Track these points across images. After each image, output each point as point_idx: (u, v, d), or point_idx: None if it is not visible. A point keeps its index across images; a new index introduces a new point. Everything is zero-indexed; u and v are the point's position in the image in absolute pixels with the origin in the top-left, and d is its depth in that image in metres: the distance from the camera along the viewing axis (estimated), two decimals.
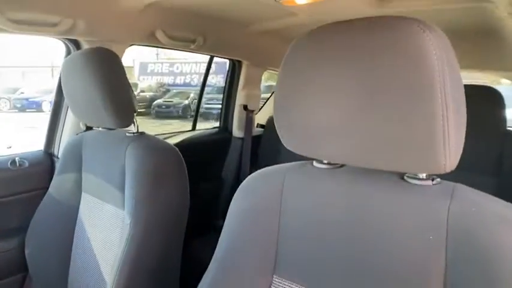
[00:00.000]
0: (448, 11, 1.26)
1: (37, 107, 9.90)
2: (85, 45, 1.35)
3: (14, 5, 1.06)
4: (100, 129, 1.21)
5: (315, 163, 0.68)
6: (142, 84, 12.15)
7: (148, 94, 11.51)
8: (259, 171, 0.74)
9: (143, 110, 11.05)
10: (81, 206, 1.23)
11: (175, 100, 10.82)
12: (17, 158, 1.37)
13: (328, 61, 0.56)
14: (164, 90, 12.16)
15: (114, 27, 1.33)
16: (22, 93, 10.78)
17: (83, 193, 1.23)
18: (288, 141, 0.64)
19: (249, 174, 2.21)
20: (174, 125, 9.10)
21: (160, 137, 1.86)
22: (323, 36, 0.58)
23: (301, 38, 0.60)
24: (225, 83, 2.14)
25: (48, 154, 1.48)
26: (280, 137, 0.65)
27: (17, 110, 10.31)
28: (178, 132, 2.03)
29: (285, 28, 1.63)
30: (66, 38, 1.33)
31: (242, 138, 2.11)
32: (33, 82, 11.53)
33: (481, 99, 1.27)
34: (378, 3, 1.24)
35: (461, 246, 0.50)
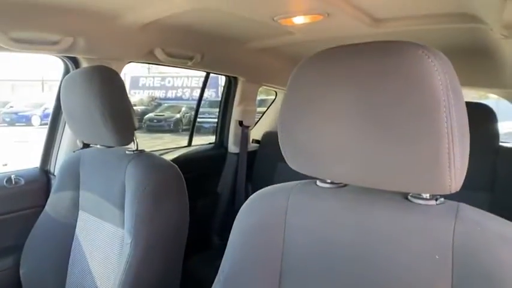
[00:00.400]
0: (441, 31, 1.31)
1: (26, 121, 9.78)
2: (84, 63, 1.36)
3: (17, 24, 1.07)
4: (98, 146, 1.21)
5: (318, 182, 0.69)
6: (134, 98, 12.12)
7: (139, 108, 11.47)
8: (263, 189, 0.75)
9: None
10: (78, 225, 1.21)
11: (167, 114, 10.81)
12: (12, 176, 1.35)
13: (333, 83, 0.57)
14: (156, 104, 12.16)
15: (113, 45, 1.35)
16: (11, 107, 10.65)
17: (80, 211, 1.21)
18: (292, 160, 0.65)
19: (245, 189, 2.21)
20: (165, 139, 9.07)
21: (157, 153, 1.86)
22: (329, 59, 0.60)
23: (308, 60, 0.62)
24: (221, 98, 2.15)
25: (44, 171, 1.47)
26: (284, 156, 0.66)
27: (6, 124, 10.16)
28: (175, 148, 2.03)
29: (282, 46, 1.66)
30: (66, 56, 1.33)
31: (238, 154, 2.12)
32: (23, 96, 11.42)
33: (475, 116, 1.30)
34: (374, 23, 1.28)
35: (467, 266, 0.50)
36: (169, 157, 1.87)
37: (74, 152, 1.34)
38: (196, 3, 1.09)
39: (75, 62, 1.36)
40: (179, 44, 1.51)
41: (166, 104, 11.79)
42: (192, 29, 1.45)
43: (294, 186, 0.71)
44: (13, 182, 1.34)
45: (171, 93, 12.92)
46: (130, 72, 13.12)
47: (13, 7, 1.03)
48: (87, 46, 1.25)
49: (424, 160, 0.50)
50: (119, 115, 1.04)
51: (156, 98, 12.70)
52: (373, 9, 1.21)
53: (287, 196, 0.69)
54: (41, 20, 1.11)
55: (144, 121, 10.79)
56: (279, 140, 0.66)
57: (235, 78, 2.06)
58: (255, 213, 0.72)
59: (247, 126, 2.12)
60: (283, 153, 0.66)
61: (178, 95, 12.61)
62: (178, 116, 10.51)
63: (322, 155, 0.60)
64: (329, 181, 0.67)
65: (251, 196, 0.75)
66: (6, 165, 1.42)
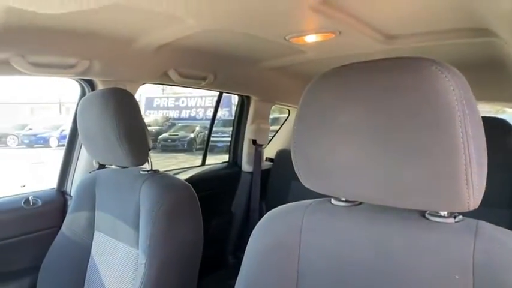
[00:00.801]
0: (455, 46, 1.29)
1: (44, 142, 10.04)
2: (99, 85, 1.39)
3: (35, 49, 1.11)
4: (113, 167, 1.22)
5: (333, 201, 0.68)
6: (149, 118, 12.35)
7: (154, 128, 11.66)
8: (277, 208, 0.74)
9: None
10: (93, 245, 1.21)
11: (181, 134, 10.94)
12: (30, 197, 1.37)
13: (346, 101, 0.57)
14: (170, 124, 12.34)
15: (128, 68, 1.38)
16: (30, 129, 10.98)
17: (95, 232, 1.22)
18: (306, 179, 0.65)
19: (259, 208, 2.19)
20: (179, 158, 9.15)
21: (171, 173, 1.87)
22: (341, 77, 0.60)
23: (320, 78, 0.62)
24: (234, 117, 2.17)
25: (61, 192, 1.48)
26: (297, 174, 0.66)
27: (25, 146, 10.45)
28: (189, 167, 2.03)
29: (294, 64, 1.67)
30: (82, 79, 1.37)
31: (251, 173, 2.11)
32: (41, 118, 11.77)
33: (492, 131, 1.27)
34: (386, 40, 1.28)
35: (488, 286, 0.49)
36: (183, 177, 1.87)
37: (89, 172, 1.36)
38: (207, 25, 1.11)
39: (91, 85, 1.40)
40: (192, 65, 1.54)
41: (180, 124, 11.94)
42: (205, 50, 1.47)
43: (308, 204, 0.70)
44: (31, 203, 1.36)
45: (185, 113, 13.11)
46: (145, 93, 13.44)
47: (31, 32, 1.07)
48: (102, 69, 1.28)
49: (441, 177, 0.49)
50: (134, 136, 1.05)
51: (170, 118, 12.90)
52: (385, 26, 1.21)
53: (302, 215, 0.68)
54: (58, 44, 1.15)
55: (158, 141, 10.93)
56: (292, 159, 0.66)
57: (248, 97, 2.07)
58: (269, 232, 0.71)
59: (261, 145, 2.12)
60: (296, 171, 0.65)
61: (192, 114, 12.78)
62: (192, 135, 10.62)
63: (336, 173, 0.59)
64: (344, 199, 0.66)
65: (265, 215, 0.74)
66: (24, 186, 1.45)
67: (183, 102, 13.16)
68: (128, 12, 1.02)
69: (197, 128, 10.82)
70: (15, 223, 1.31)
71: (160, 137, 11.02)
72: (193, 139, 10.40)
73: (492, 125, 1.35)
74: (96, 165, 1.43)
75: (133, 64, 1.38)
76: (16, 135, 10.88)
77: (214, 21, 1.10)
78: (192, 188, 1.10)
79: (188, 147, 10.25)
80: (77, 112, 1.18)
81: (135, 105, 1.10)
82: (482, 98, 1.81)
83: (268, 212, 0.74)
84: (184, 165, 2.18)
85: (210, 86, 1.68)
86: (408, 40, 1.28)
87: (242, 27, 1.17)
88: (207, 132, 9.63)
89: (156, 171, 1.14)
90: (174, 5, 0.95)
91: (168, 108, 13.49)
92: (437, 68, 0.49)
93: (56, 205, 1.43)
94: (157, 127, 11.84)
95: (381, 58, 0.56)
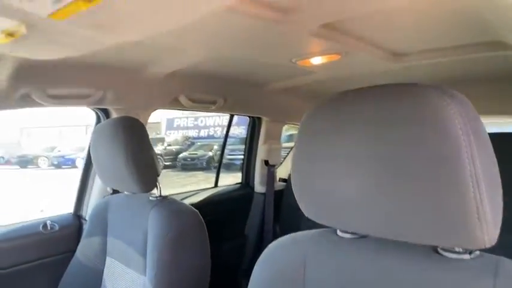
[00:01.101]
0: (466, 60, 1.26)
1: (72, 163, 10.41)
2: (113, 113, 1.44)
3: (53, 82, 1.17)
4: (125, 192, 1.25)
5: (339, 232, 0.65)
6: (169, 138, 12.61)
7: (174, 148, 11.89)
8: (280, 239, 0.72)
9: (170, 163, 11.38)
10: (105, 271, 1.23)
11: (200, 152, 11.09)
12: (48, 222, 1.42)
13: (347, 129, 0.55)
14: (189, 143, 12.55)
15: (139, 96, 1.43)
16: (59, 151, 11.45)
17: (107, 257, 1.24)
18: (307, 209, 0.62)
19: (273, 230, 2.15)
20: (198, 176, 9.24)
21: (184, 195, 1.89)
22: (341, 103, 0.58)
23: (317, 106, 0.60)
24: (246, 138, 2.18)
25: (77, 216, 1.53)
26: (298, 204, 0.64)
27: (53, 167, 10.87)
28: (201, 189, 2.05)
29: (303, 85, 1.68)
30: (97, 107, 1.43)
31: (264, 194, 2.10)
32: (69, 140, 12.24)
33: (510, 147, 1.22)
34: (395, 58, 1.27)
35: None
36: (196, 199, 1.89)
37: (103, 197, 1.40)
38: (211, 54, 1.14)
39: (106, 112, 1.46)
40: (202, 90, 1.58)
41: (199, 143, 12.13)
42: (214, 75, 1.51)
43: (312, 235, 0.68)
44: (48, 228, 1.41)
45: (203, 132, 13.33)
46: (166, 114, 13.77)
47: (50, 67, 1.13)
48: (115, 98, 1.34)
49: (450, 213, 0.45)
50: (142, 163, 1.08)
51: (189, 138, 13.13)
52: (393, 44, 1.20)
53: (306, 246, 0.66)
54: (74, 77, 1.21)
55: (178, 160, 11.13)
56: (293, 188, 0.64)
57: (259, 118, 2.09)
58: (273, 265, 0.69)
59: (273, 165, 2.12)
60: (298, 202, 0.63)
61: (211, 133, 12.97)
62: (210, 154, 10.74)
63: (339, 205, 0.57)
64: (350, 231, 0.64)
65: (270, 245, 0.72)
66: (42, 211, 1.50)
67: (201, 121, 13.40)
68: (135, 46, 1.07)
69: (215, 147, 10.95)
70: (33, 248, 1.35)
71: (180, 156, 11.21)
72: (212, 157, 10.52)
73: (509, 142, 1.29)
74: (110, 190, 1.47)
75: (144, 92, 1.43)
76: (46, 157, 11.38)
77: (217, 50, 1.14)
78: (199, 214, 1.11)
79: (207, 165, 10.37)
80: (91, 140, 1.23)
81: (143, 133, 1.14)
82: (501, 112, 1.75)
83: (273, 242, 0.73)
84: (204, 183, 2.19)
85: (220, 110, 1.71)
86: (417, 57, 1.26)
87: (246, 53, 1.20)
88: (225, 150, 9.58)
89: (165, 197, 1.16)
90: (177, 37, 0.99)
91: (187, 128, 13.76)
92: (439, 96, 0.47)
93: (72, 229, 1.47)
94: (177, 146, 12.06)
95: (380, 84, 0.55)
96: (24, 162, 11.38)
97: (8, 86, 1.07)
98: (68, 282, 1.26)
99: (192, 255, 1.06)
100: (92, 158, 1.25)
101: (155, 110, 1.56)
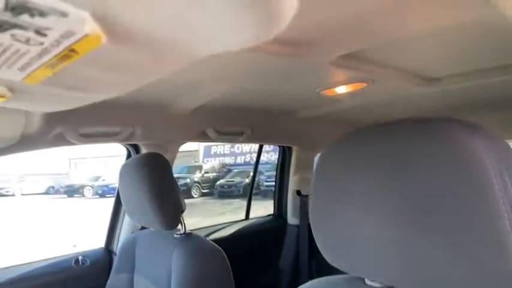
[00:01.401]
0: (502, 82, 1.17)
1: (115, 192, 10.84)
2: (143, 148, 1.47)
3: (84, 122, 1.22)
4: (152, 228, 1.24)
5: (367, 281, 0.59)
6: (206, 166, 12.83)
7: (211, 175, 12.06)
8: (311, 284, 0.67)
9: (207, 190, 11.53)
10: None
11: (236, 179, 11.14)
12: (80, 257, 1.44)
13: (366, 168, 0.51)
14: (226, 170, 12.67)
15: (167, 131, 1.45)
16: (103, 180, 12.02)
17: None
18: (328, 254, 0.58)
19: (308, 265, 2.04)
20: (234, 204, 9.23)
21: (214, 228, 1.86)
22: (360, 140, 0.54)
23: (334, 144, 0.57)
24: (276, 168, 2.14)
25: (108, 251, 1.54)
26: (319, 248, 0.59)
27: (98, 196, 11.39)
28: (232, 222, 2.01)
29: (332, 113, 1.63)
30: (127, 143, 1.46)
31: (298, 226, 2.02)
32: (113, 170, 12.87)
33: None
34: (425, 83, 1.20)
35: None
36: (226, 232, 1.85)
37: (132, 233, 1.40)
38: (234, 87, 1.14)
39: (136, 147, 1.49)
40: (229, 122, 1.58)
41: (236, 170, 12.21)
42: (240, 107, 1.50)
43: (339, 282, 0.62)
44: (80, 263, 1.43)
45: (240, 159, 13.44)
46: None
47: (82, 108, 1.18)
48: (144, 134, 1.36)
49: (485, 268, 0.39)
50: (165, 200, 1.07)
51: (226, 165, 13.28)
52: (424, 70, 1.14)
53: None
54: (104, 116, 1.25)
55: (216, 187, 11.24)
56: (314, 234, 0.59)
57: (290, 147, 2.05)
58: None
59: (306, 196, 2.04)
60: (318, 246, 0.59)
61: (247, 160, 13.04)
62: (247, 180, 10.75)
63: (360, 251, 0.52)
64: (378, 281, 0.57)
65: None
66: (75, 246, 1.53)
67: (238, 148, 13.55)
68: (160, 83, 1.09)
69: (251, 174, 10.94)
70: (65, 283, 1.37)
71: (217, 183, 11.33)
72: (248, 184, 10.49)
73: None
74: (139, 226, 1.47)
75: (172, 127, 1.45)
76: (91, 186, 12.00)
77: (240, 84, 1.13)
78: (222, 252, 1.07)
79: (243, 192, 10.35)
80: (119, 176, 1.25)
81: (167, 170, 1.13)
82: None
83: (306, 285, 0.68)
84: (240, 211, 2.14)
85: (248, 141, 1.69)
86: (450, 80, 1.19)
87: (269, 86, 1.19)
88: (261, 177, 9.52)
89: (190, 234, 1.14)
90: (200, 73, 0.99)
91: (224, 155, 13.96)
92: (466, 131, 0.42)
93: (103, 264, 1.48)
94: (214, 174, 12.22)
95: (400, 119, 0.50)
96: (71, 191, 12.10)
97: (42, 127, 1.12)
98: None
99: None
100: (120, 193, 1.26)
101: (183, 143, 1.57)
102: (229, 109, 1.50)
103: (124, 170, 1.21)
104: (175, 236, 1.13)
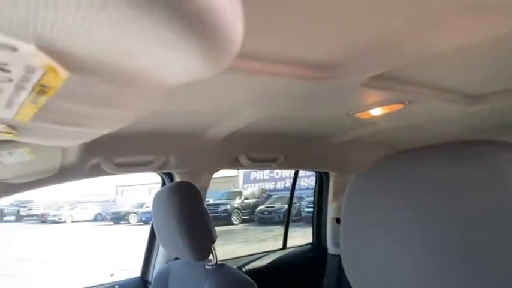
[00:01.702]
0: None
1: None
2: (176, 176, 1.48)
3: (119, 152, 1.26)
4: (183, 258, 1.22)
5: None
6: (246, 192, 12.83)
7: (251, 201, 12.00)
8: None
9: (247, 216, 11.44)
10: None
11: (276, 205, 10.97)
12: (116, 287, 1.45)
13: (403, 196, 0.46)
14: (266, 196, 12.56)
15: (199, 159, 1.46)
16: (147, 207, 12.39)
17: None
18: None
19: None
20: (275, 231, 9.05)
21: (249, 258, 1.80)
22: (395, 166, 0.49)
23: (363, 172, 0.52)
24: (314, 195, 2.06)
25: (144, 281, 1.54)
26: (350, 281, 0.54)
27: (142, 223, 11.72)
28: (268, 251, 1.94)
29: (368, 136, 1.56)
30: (161, 172, 1.49)
31: (339, 256, 1.90)
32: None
33: None
34: (467, 101, 1.11)
35: None
36: (262, 262, 1.79)
37: (166, 263, 1.39)
38: (264, 114, 1.12)
39: (170, 176, 1.50)
40: (261, 148, 1.55)
41: (275, 196, 12.06)
42: (272, 133, 1.48)
43: None
44: None
45: (279, 185, 13.30)
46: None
47: (117, 139, 1.22)
48: (177, 162, 1.38)
49: None
50: (195, 229, 1.05)
51: (266, 190, 13.18)
52: (466, 88, 1.06)
53: None
54: (138, 146, 1.28)
55: (256, 213, 11.15)
56: (344, 268, 0.54)
57: (326, 173, 1.97)
58: None
59: None
60: (349, 279, 0.53)
61: (287, 185, 12.87)
62: (287, 206, 10.56)
63: None
64: None
65: None
66: (113, 275, 1.54)
67: (277, 173, 13.45)
68: (191, 112, 1.11)
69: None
70: None
71: (257, 209, 11.22)
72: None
73: None
74: (173, 256, 1.46)
75: (204, 155, 1.45)
76: (136, 213, 12.39)
77: (271, 110, 1.11)
78: (255, 286, 1.01)
79: (284, 218, 10.13)
80: (152, 205, 1.25)
81: (198, 199, 1.12)
82: None
83: None
84: (281, 238, 2.07)
85: (281, 167, 1.65)
86: (494, 98, 1.09)
87: (300, 111, 1.16)
88: (302, 202, 9.29)
89: (222, 265, 1.10)
90: (231, 101, 0.99)
91: (263, 181, 13.89)
92: (508, 154, 0.37)
93: None
94: (254, 200, 12.15)
95: (440, 143, 0.45)
96: (117, 218, 12.56)
97: (79, 157, 1.16)
98: None
99: None
100: (153, 222, 1.27)
101: (216, 171, 1.57)
102: (261, 135, 1.49)
103: (156, 199, 1.21)
104: (206, 267, 1.10)
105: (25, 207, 14.09)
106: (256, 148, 1.55)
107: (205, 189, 1.53)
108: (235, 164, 1.54)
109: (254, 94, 0.93)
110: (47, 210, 13.57)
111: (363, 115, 1.18)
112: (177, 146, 1.37)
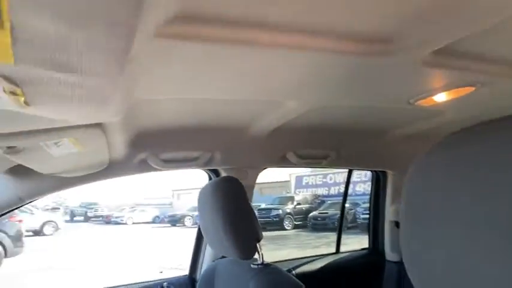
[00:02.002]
0: None
1: None
2: (223, 173, 1.45)
3: (166, 147, 1.26)
4: (228, 257, 1.18)
5: None
6: (298, 197, 12.62)
7: (304, 206, 11.78)
8: None
9: (300, 222, 11.24)
10: None
11: (330, 211, 10.63)
12: (164, 284, 1.45)
13: (472, 180, 0.36)
14: (319, 201, 12.24)
15: (245, 155, 1.41)
16: None
17: None
18: None
19: None
20: (330, 237, 8.75)
21: (299, 262, 1.71)
22: (459, 145, 0.39)
23: (427, 153, 0.42)
24: (370, 197, 1.91)
25: (191, 279, 1.52)
26: (412, 282, 0.45)
27: (196, 225, 12.08)
28: (319, 255, 1.82)
29: (431, 130, 1.39)
30: (207, 169, 1.46)
31: (399, 263, 1.73)
32: None
33: None
34: None
35: None
36: (313, 267, 1.69)
37: (213, 261, 1.36)
38: (315, 103, 1.04)
39: (216, 173, 1.47)
40: (311, 144, 1.47)
41: (329, 202, 11.70)
42: (323, 127, 1.39)
43: None
44: None
45: (333, 190, 12.88)
46: (295, 172, 14.07)
47: (162, 134, 1.22)
48: (223, 158, 1.34)
49: None
50: (240, 228, 0.99)
51: (319, 196, 12.84)
52: None
53: None
54: (183, 141, 1.27)
55: (308, 219, 10.90)
56: (407, 270, 0.45)
57: (384, 173, 1.82)
58: None
59: None
60: (411, 278, 0.45)
61: (341, 191, 12.40)
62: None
63: None
64: None
65: None
66: (162, 272, 1.55)
67: (330, 178, 13.05)
68: (236, 104, 1.07)
69: (347, 205, 10.34)
70: None
71: (310, 215, 10.98)
72: (344, 217, 9.89)
73: None
74: (219, 254, 1.42)
75: (250, 151, 1.41)
76: (191, 216, 12.81)
77: (319, 101, 1.03)
78: (303, 287, 0.93)
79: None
80: (197, 201, 1.23)
81: (242, 195, 1.06)
82: None
83: None
84: (334, 246, 1.95)
85: (332, 165, 1.55)
86: None
87: (354, 99, 1.05)
88: (357, 208, 8.96)
89: (268, 265, 1.03)
90: (277, 91, 0.93)
91: (316, 186, 13.56)
92: None
93: None
94: (307, 205, 11.92)
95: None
96: (174, 221, 13.17)
97: (127, 153, 1.18)
98: None
99: None
100: (199, 219, 1.24)
101: (263, 169, 1.51)
102: (311, 130, 1.40)
103: (201, 195, 1.18)
104: (252, 266, 1.03)
105: (92, 208, 15.46)
106: (305, 144, 1.46)
107: (252, 187, 1.48)
108: (282, 162, 1.47)
109: (300, 76, 0.85)
110: (111, 212, 14.66)
111: (425, 102, 1.04)
112: (222, 141, 1.34)
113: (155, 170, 1.28)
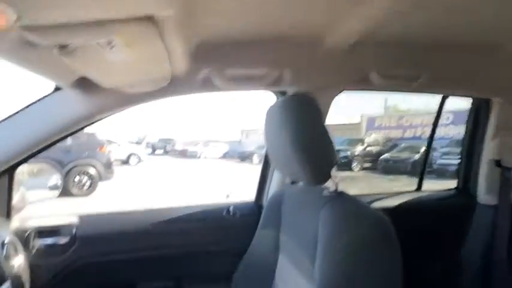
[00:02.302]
0: None
1: None
2: None
3: (230, 62, 1.14)
4: (301, 183, 1.08)
5: None
6: (369, 138, 12.08)
7: (374, 149, 11.32)
8: None
9: (370, 164, 10.89)
10: (277, 271, 1.09)
11: (404, 155, 10.06)
12: (231, 207, 1.43)
13: None
14: (391, 144, 11.61)
15: (320, 73, 1.23)
16: None
17: (280, 255, 1.10)
18: None
19: (508, 258, 1.52)
20: (402, 181, 8.34)
21: (375, 197, 1.57)
22: None
23: None
24: (466, 130, 1.62)
25: (258, 206, 1.48)
26: None
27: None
28: (399, 192, 1.65)
29: None
30: (278, 91, 1.32)
31: (494, 206, 1.49)
32: None
33: None
34: None
35: None
36: (391, 203, 1.53)
37: (281, 188, 1.28)
38: (403, 5, 0.80)
39: (285, 95, 1.33)
40: (399, 63, 1.23)
41: (403, 145, 11.02)
42: (415, 42, 1.13)
43: None
44: (231, 213, 1.41)
45: (409, 133, 12.03)
46: (366, 114, 13.39)
47: (225, 47, 1.10)
48: (293, 77, 1.19)
49: None
50: (311, 150, 0.86)
51: (392, 139, 12.14)
52: None
53: None
54: (249, 56, 1.14)
55: (379, 162, 10.50)
56: None
57: (487, 101, 1.50)
58: None
59: (510, 168, 1.48)
60: None
61: (417, 134, 11.51)
62: (416, 157, 9.51)
63: None
64: None
65: None
66: (228, 196, 1.53)
67: (406, 121, 12.13)
68: (309, 7, 0.88)
69: (422, 149, 9.62)
70: (215, 231, 1.39)
71: (381, 157, 10.56)
72: (418, 161, 9.24)
73: None
74: (288, 180, 1.34)
75: (325, 69, 1.22)
76: (259, 154, 13.28)
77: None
78: (387, 220, 0.79)
79: (412, 169, 9.20)
80: (264, 122, 1.11)
81: (317, 113, 0.91)
82: None
83: None
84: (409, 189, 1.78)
85: (424, 88, 1.29)
86: None
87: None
88: (435, 153, 8.35)
89: (341, 193, 0.90)
90: None
91: (390, 128, 12.79)
92: None
93: (252, 218, 1.42)
94: (377, 147, 11.43)
95: None
96: (242, 157, 14.03)
97: (189, 68, 1.09)
98: (242, 273, 1.20)
99: (373, 273, 0.75)
100: (265, 142, 1.13)
101: (340, 91, 1.32)
102: (401, 45, 1.16)
103: (269, 114, 1.06)
104: (324, 193, 0.92)
105: (169, 143, 17.25)
106: (392, 63, 1.23)
107: (326, 113, 1.31)
108: (363, 83, 1.26)
109: None
110: (186, 146, 16.09)
111: None
112: (293, 57, 1.17)
113: (218, 89, 1.18)
